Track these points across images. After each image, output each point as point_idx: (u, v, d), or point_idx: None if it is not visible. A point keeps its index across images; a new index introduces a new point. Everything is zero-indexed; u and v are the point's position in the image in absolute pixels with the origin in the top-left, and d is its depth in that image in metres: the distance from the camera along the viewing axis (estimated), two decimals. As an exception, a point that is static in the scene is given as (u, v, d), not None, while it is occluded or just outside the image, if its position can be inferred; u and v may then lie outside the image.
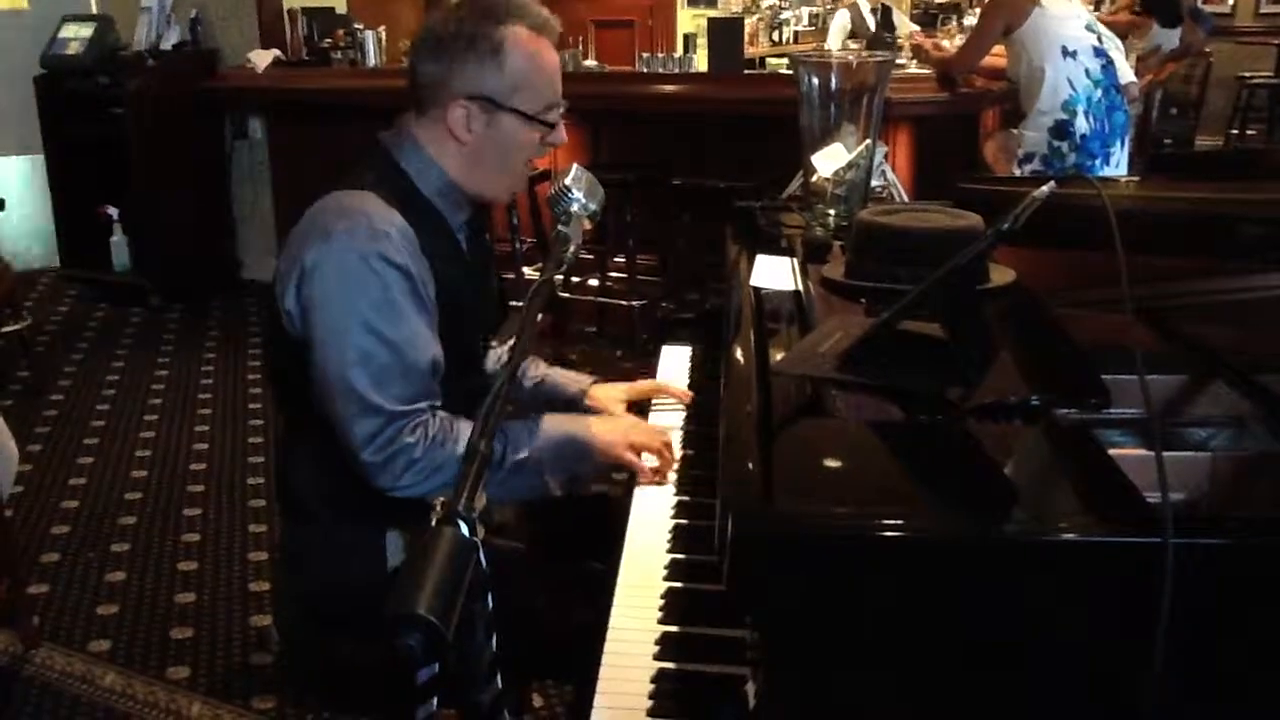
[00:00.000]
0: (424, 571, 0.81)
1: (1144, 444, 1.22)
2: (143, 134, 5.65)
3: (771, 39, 8.83)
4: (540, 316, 1.27)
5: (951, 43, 5.82)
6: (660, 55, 5.58)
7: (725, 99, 4.70)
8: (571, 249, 1.48)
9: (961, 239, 1.41)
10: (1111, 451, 1.10)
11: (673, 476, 1.70)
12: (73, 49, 5.73)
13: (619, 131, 5.07)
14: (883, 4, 7.21)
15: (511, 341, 1.21)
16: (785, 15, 9.13)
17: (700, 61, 5.63)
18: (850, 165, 2.06)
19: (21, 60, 5.88)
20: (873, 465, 1.14)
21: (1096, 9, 6.39)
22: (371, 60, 5.73)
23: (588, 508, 1.94)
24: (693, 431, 1.85)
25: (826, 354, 1.32)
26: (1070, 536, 0.96)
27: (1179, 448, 1.20)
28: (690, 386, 2.02)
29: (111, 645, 2.86)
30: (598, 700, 1.22)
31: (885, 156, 2.71)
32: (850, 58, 2.14)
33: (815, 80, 2.07)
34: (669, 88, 4.95)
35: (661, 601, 1.38)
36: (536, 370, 2.01)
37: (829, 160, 2.06)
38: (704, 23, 6.12)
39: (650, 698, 1.21)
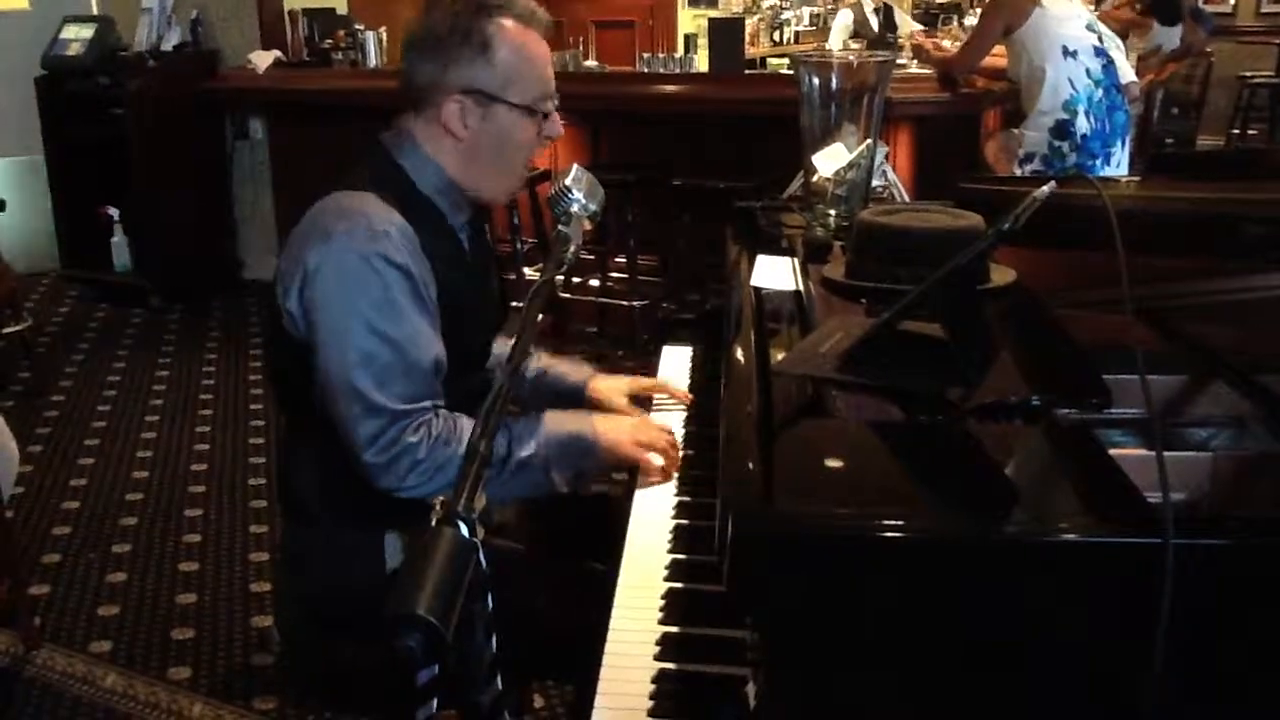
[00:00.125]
0: (424, 572, 0.81)
1: (1145, 444, 1.22)
2: (143, 135, 5.65)
3: (772, 39, 8.82)
4: (540, 317, 1.27)
5: (952, 43, 5.81)
6: (661, 55, 5.59)
7: (726, 99, 4.70)
8: (572, 249, 1.48)
9: (962, 239, 1.40)
10: (1112, 451, 1.10)
11: (674, 476, 1.70)
12: (73, 50, 5.73)
13: (619, 132, 5.06)
14: (885, 3, 7.21)
15: (512, 340, 1.21)
16: (786, 15, 9.13)
17: (701, 62, 5.63)
18: (851, 165, 2.06)
19: (22, 61, 5.88)
20: (873, 465, 1.14)
21: (1097, 8, 6.39)
22: (372, 61, 5.74)
23: (588, 508, 1.94)
24: (693, 432, 1.85)
25: (827, 354, 1.32)
26: (1071, 537, 0.96)
27: (1180, 448, 1.20)
28: (690, 387, 2.02)
29: (113, 646, 2.86)
30: (598, 701, 1.22)
31: (886, 156, 2.71)
32: (851, 58, 2.14)
33: (816, 80, 2.07)
34: (669, 88, 4.95)
35: (662, 602, 1.38)
36: (538, 362, 2.01)
37: (830, 160, 2.06)
38: (705, 23, 6.12)
39: (651, 698, 1.21)
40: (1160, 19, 6.74)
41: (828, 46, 7.28)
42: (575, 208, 1.58)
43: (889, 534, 0.97)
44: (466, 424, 1.61)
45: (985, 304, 1.46)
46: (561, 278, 1.46)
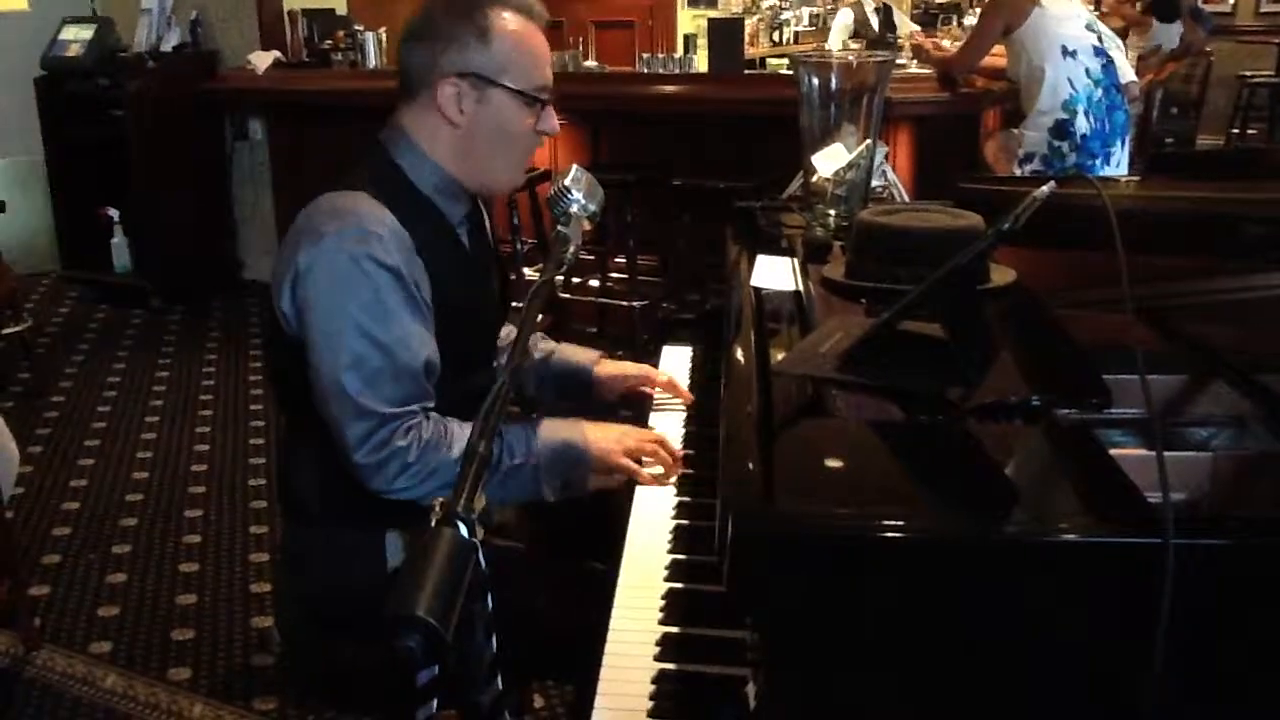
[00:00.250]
0: (423, 573, 0.81)
1: (1145, 444, 1.22)
2: (143, 135, 5.65)
3: (772, 39, 8.83)
4: (540, 317, 1.27)
5: (952, 43, 5.81)
6: (660, 56, 5.58)
7: (725, 99, 4.70)
8: (571, 250, 1.48)
9: (962, 239, 1.40)
10: (1112, 451, 1.10)
11: (671, 480, 1.69)
12: (73, 51, 5.73)
13: (619, 132, 5.06)
14: (884, 3, 7.22)
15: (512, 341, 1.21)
16: (785, 16, 9.13)
17: (700, 62, 5.63)
18: (850, 165, 2.06)
19: (22, 62, 5.88)
20: (873, 465, 1.14)
21: (1096, 8, 6.39)
22: (372, 61, 5.74)
23: (588, 508, 1.94)
24: (693, 432, 1.85)
25: (827, 354, 1.32)
26: (1071, 537, 0.96)
27: (1180, 448, 1.20)
28: (690, 387, 2.01)
29: (113, 647, 2.86)
30: (598, 701, 1.22)
31: (886, 156, 2.71)
32: (850, 58, 2.14)
33: (815, 80, 2.07)
34: (669, 88, 4.95)
35: (662, 602, 1.38)
36: (545, 345, 2.02)
37: (829, 160, 2.06)
38: (704, 23, 6.12)
39: (651, 699, 1.21)
40: (1159, 15, 6.75)
41: (827, 46, 7.29)
42: (575, 208, 1.58)
43: (889, 534, 0.97)
44: (456, 427, 1.61)
45: (985, 304, 1.46)
46: (561, 278, 1.47)
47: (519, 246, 4.79)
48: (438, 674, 0.94)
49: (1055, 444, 1.13)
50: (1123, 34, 6.08)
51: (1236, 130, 8.94)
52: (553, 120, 1.71)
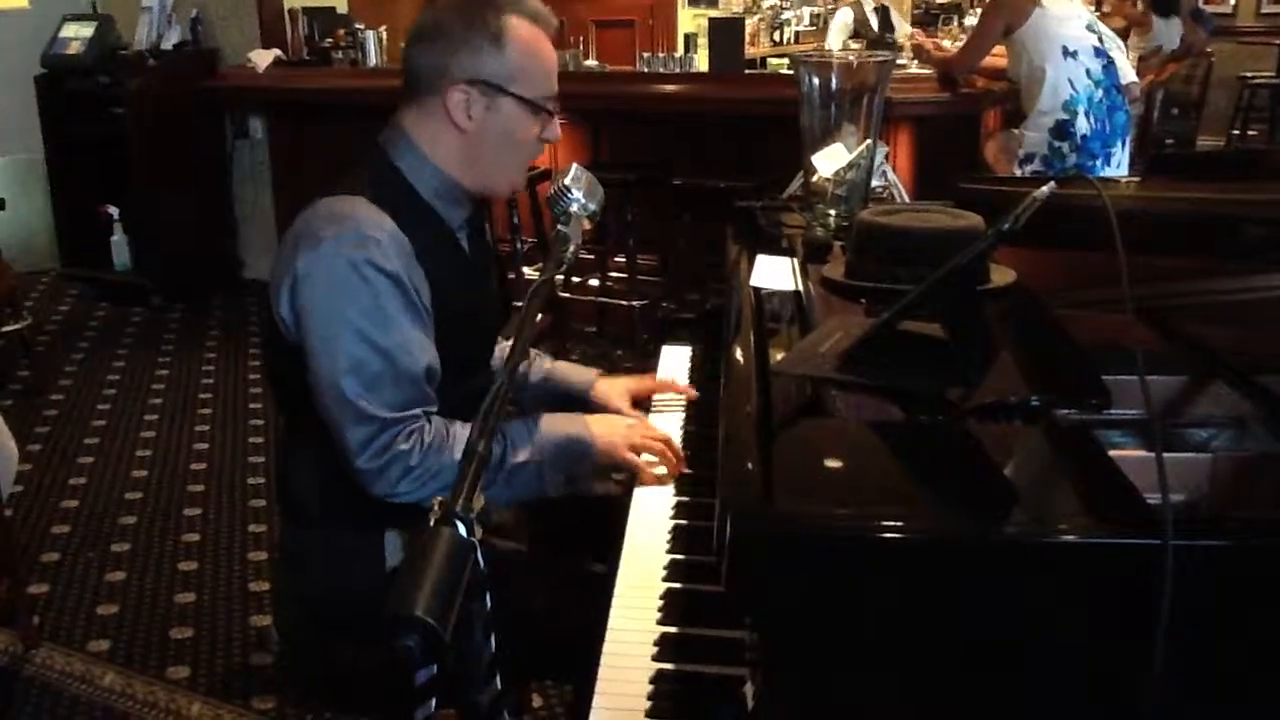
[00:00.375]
0: (422, 572, 0.81)
1: (1144, 445, 1.22)
2: (143, 133, 5.65)
3: (772, 39, 8.83)
4: (540, 317, 1.27)
5: (952, 43, 5.81)
6: (661, 55, 5.58)
7: (726, 99, 4.70)
8: (571, 249, 1.48)
9: (962, 239, 1.40)
10: (1112, 452, 1.10)
11: (673, 479, 1.69)
12: (73, 49, 5.73)
13: (619, 131, 5.06)
14: (882, 4, 7.22)
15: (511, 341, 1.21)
16: (786, 15, 9.13)
17: (701, 61, 5.62)
18: (851, 165, 2.06)
19: (22, 60, 5.88)
20: (873, 466, 1.13)
21: (1097, 8, 6.39)
22: (372, 60, 5.73)
23: (587, 508, 1.94)
24: (692, 432, 1.85)
25: (827, 354, 1.32)
26: (1070, 538, 0.96)
27: (1179, 448, 1.20)
28: (690, 387, 2.01)
29: (111, 645, 2.86)
30: (596, 701, 1.21)
31: (886, 157, 2.71)
32: (851, 58, 2.14)
33: (816, 80, 2.07)
34: (670, 88, 4.95)
35: (660, 602, 1.38)
36: (541, 365, 2.01)
37: (829, 160, 2.06)
38: (705, 22, 6.12)
39: (649, 698, 1.21)
40: (1158, 10, 6.75)
41: (827, 45, 7.29)
42: (575, 207, 1.58)
43: (888, 534, 0.97)
44: (459, 430, 1.61)
45: (985, 304, 1.46)
46: (561, 277, 1.47)
47: (519, 246, 4.79)
48: (436, 673, 0.94)
49: (1055, 445, 1.13)
50: (1123, 34, 6.08)
51: (1237, 131, 8.94)
52: (557, 127, 1.70)
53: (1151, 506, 0.97)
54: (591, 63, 6.08)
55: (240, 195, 6.23)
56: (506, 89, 1.62)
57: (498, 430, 1.61)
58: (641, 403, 1.96)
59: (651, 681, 1.23)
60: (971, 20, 7.17)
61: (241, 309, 5.86)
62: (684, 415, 1.93)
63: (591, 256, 4.99)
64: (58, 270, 6.27)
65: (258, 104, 5.99)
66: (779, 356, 1.42)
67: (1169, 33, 6.84)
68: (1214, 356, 1.38)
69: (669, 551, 1.49)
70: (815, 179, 2.09)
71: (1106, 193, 1.26)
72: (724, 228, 2.23)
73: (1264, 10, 9.75)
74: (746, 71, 5.41)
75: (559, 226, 1.55)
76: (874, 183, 2.26)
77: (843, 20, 7.26)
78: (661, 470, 1.69)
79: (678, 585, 1.41)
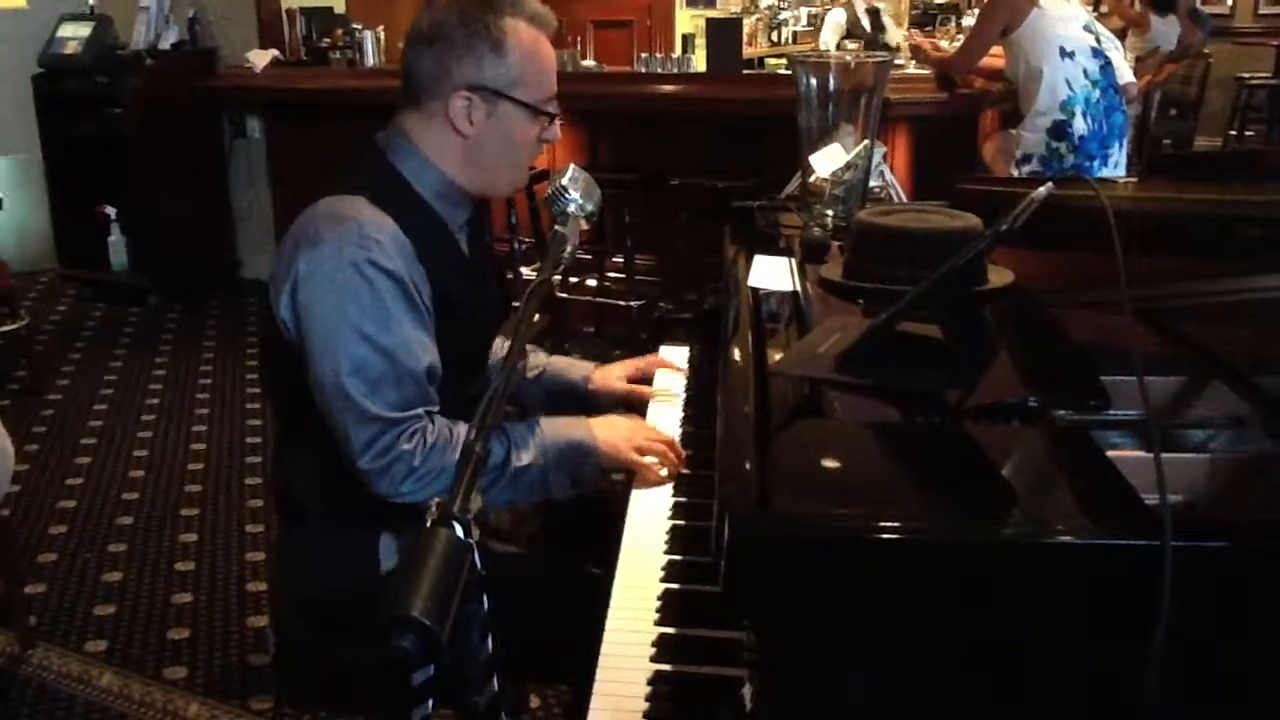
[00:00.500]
0: (419, 573, 0.81)
1: (1142, 446, 1.21)
2: (141, 133, 5.64)
3: (770, 39, 8.83)
4: (538, 317, 1.27)
5: (950, 43, 5.82)
6: (659, 55, 5.57)
7: (723, 99, 4.70)
8: (569, 249, 1.48)
9: (960, 240, 1.40)
10: (1110, 453, 1.10)
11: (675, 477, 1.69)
12: (71, 48, 5.72)
13: (617, 132, 5.06)
14: (874, 6, 7.23)
15: (509, 340, 1.20)
16: (784, 15, 9.14)
17: (699, 62, 5.63)
18: (848, 165, 2.06)
19: (19, 60, 5.87)
20: (871, 467, 1.13)
21: (1095, 9, 6.39)
22: (370, 60, 5.73)
23: (584, 508, 1.94)
24: (690, 432, 1.85)
25: (825, 355, 1.32)
26: (1068, 539, 0.96)
27: (1178, 449, 1.20)
28: (687, 387, 2.01)
29: (108, 645, 2.86)
30: (594, 702, 1.21)
31: (884, 157, 2.71)
32: (848, 58, 2.14)
33: (813, 80, 2.07)
34: (667, 88, 4.95)
35: (658, 603, 1.38)
36: (537, 360, 2.01)
37: (827, 160, 2.06)
38: (702, 23, 6.11)
39: (647, 699, 1.21)
40: (1155, 7, 6.76)
41: (820, 46, 7.30)
42: (572, 208, 1.58)
43: (886, 536, 0.97)
44: (462, 430, 1.60)
45: (983, 305, 1.46)
46: (559, 277, 1.46)
47: (516, 246, 4.79)
48: (434, 674, 0.93)
49: (1053, 446, 1.13)
50: (1121, 35, 6.08)
51: (1234, 132, 8.95)
52: (557, 128, 1.70)
53: (1150, 507, 0.97)
54: (589, 63, 6.08)
55: (238, 195, 6.23)
56: (508, 95, 1.62)
57: (501, 432, 1.62)
58: (637, 406, 1.96)
59: (649, 682, 1.23)
60: (969, 20, 7.16)
61: (239, 309, 5.85)
62: (682, 406, 1.94)
63: (589, 257, 4.99)
64: (55, 270, 6.26)
65: (255, 104, 5.98)
66: (777, 357, 1.42)
67: (1167, 33, 6.85)
68: (1212, 357, 1.38)
69: (667, 552, 1.49)
70: (813, 179, 2.09)
71: (1104, 193, 1.26)
72: (722, 228, 2.23)
73: (1261, 11, 9.76)
74: (744, 72, 5.41)
75: (556, 227, 1.55)
76: (872, 183, 2.26)
77: (835, 21, 7.28)
78: (664, 471, 1.68)
79: (676, 586, 1.41)
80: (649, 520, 1.57)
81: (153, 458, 4.03)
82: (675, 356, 2.17)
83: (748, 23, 7.97)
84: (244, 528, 3.47)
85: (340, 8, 6.41)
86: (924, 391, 1.24)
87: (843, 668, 0.99)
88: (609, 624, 1.35)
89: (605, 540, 1.57)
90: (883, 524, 0.97)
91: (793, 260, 1.87)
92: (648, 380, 2.02)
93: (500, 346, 1.89)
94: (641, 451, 1.68)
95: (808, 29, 9.17)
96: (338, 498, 1.63)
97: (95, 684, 2.70)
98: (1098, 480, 1.05)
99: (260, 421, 4.31)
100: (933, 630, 0.97)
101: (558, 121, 1.71)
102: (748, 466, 1.12)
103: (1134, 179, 3.62)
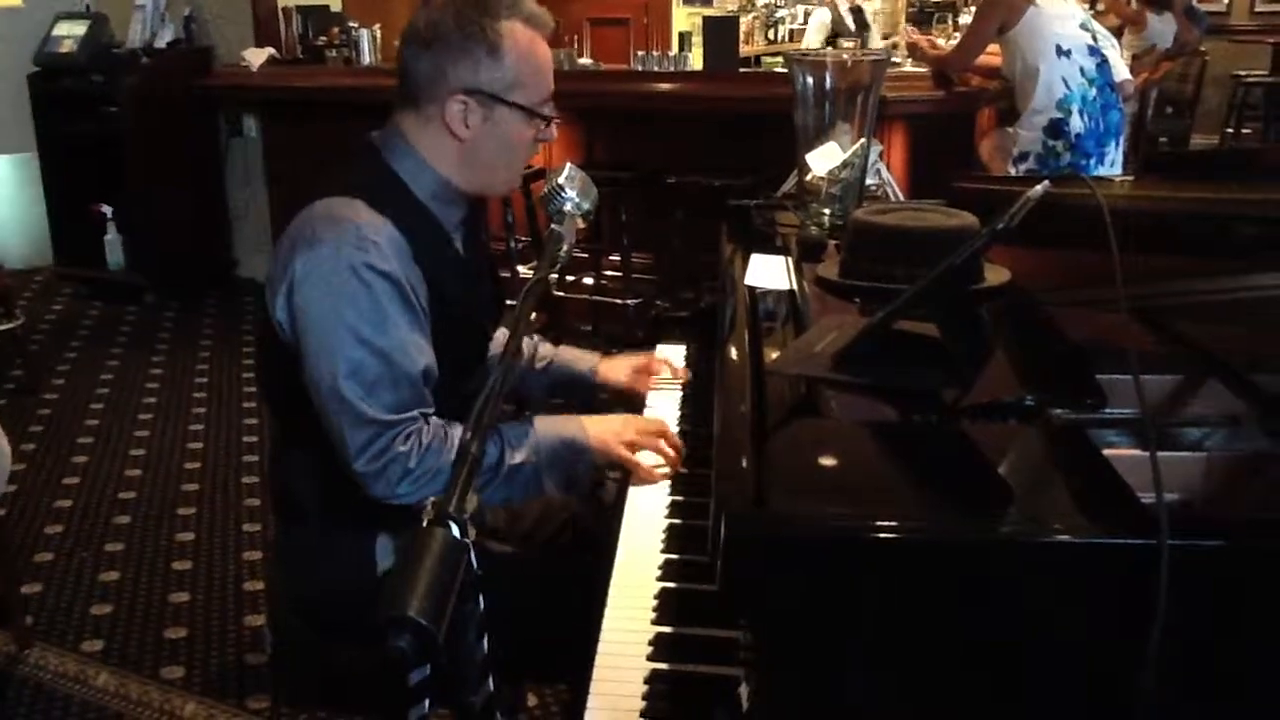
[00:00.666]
0: (415, 574, 0.81)
1: (1139, 444, 1.21)
2: (137, 132, 5.63)
3: (767, 37, 8.82)
4: (534, 315, 1.26)
5: (947, 41, 5.81)
6: (655, 53, 5.57)
7: (720, 97, 4.70)
8: (565, 248, 1.48)
9: (956, 238, 1.40)
10: (1106, 452, 1.10)
11: (674, 471, 1.69)
12: (66, 47, 5.71)
13: (614, 130, 5.06)
14: (857, 5, 7.23)
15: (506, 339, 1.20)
16: (781, 14, 9.13)
17: (695, 60, 5.62)
18: (845, 164, 2.06)
19: (15, 58, 5.86)
20: (868, 466, 1.13)
21: (1091, 7, 6.40)
22: (366, 58, 5.72)
23: (581, 507, 1.94)
24: (687, 431, 1.85)
25: (822, 354, 1.32)
26: (1065, 538, 0.96)
27: (1174, 448, 1.20)
28: (684, 386, 2.02)
29: (105, 645, 2.85)
30: (591, 701, 1.21)
31: (880, 155, 2.71)
32: (845, 56, 2.14)
33: (810, 79, 2.07)
34: (664, 86, 4.94)
35: (655, 602, 1.38)
36: (545, 350, 2.02)
37: (824, 159, 2.06)
38: (699, 21, 6.11)
39: (643, 699, 1.21)
40: (1151, 5, 6.76)
41: (804, 45, 7.29)
42: (569, 206, 1.58)
43: (883, 535, 0.97)
44: (457, 431, 1.60)
45: (980, 304, 1.46)
46: (555, 276, 1.46)
47: (513, 244, 4.79)
48: (430, 674, 0.93)
49: (1049, 444, 1.13)
50: (1117, 33, 6.09)
51: (1231, 130, 8.96)
52: (554, 129, 1.70)
53: (1146, 506, 0.97)
54: (586, 61, 6.07)
55: (234, 194, 6.22)
56: (504, 98, 1.62)
57: (495, 431, 1.62)
58: (635, 405, 1.96)
59: (646, 681, 1.23)
60: (966, 18, 7.16)
61: (236, 307, 5.85)
62: (680, 395, 1.95)
63: (586, 255, 4.98)
64: (51, 269, 6.25)
65: (252, 102, 5.97)
66: (774, 356, 1.42)
67: (1163, 31, 6.85)
68: (1208, 356, 1.38)
69: (664, 551, 1.49)
70: (810, 178, 2.09)
71: (1101, 192, 1.26)
72: (718, 226, 2.23)
73: (1257, 9, 9.77)
74: (741, 70, 5.40)
75: (553, 225, 1.55)
76: (868, 181, 2.26)
77: (820, 21, 7.28)
78: (662, 468, 1.68)
79: (672, 585, 1.41)
80: (646, 519, 1.57)
81: (149, 457, 4.03)
82: (672, 355, 2.17)
83: (744, 21, 7.96)
84: (241, 527, 3.47)
85: (336, 6, 6.39)
86: (921, 390, 1.24)
87: (839, 667, 0.99)
88: (606, 623, 1.35)
89: (601, 539, 1.57)
90: (879, 523, 0.97)
91: (789, 259, 1.87)
92: (642, 401, 2.01)
93: (499, 344, 1.89)
94: (634, 447, 1.68)
95: (804, 27, 9.17)
96: (335, 498, 1.63)
97: (92, 684, 2.69)
98: (1094, 479, 1.05)
99: (257, 420, 4.31)
100: (929, 630, 0.97)
101: (554, 121, 1.70)
102: (744, 465, 1.12)
103: (1130, 177, 3.63)
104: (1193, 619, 0.93)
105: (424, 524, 0.86)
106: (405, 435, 1.55)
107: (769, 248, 1.98)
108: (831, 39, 6.99)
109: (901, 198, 2.75)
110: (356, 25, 5.84)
